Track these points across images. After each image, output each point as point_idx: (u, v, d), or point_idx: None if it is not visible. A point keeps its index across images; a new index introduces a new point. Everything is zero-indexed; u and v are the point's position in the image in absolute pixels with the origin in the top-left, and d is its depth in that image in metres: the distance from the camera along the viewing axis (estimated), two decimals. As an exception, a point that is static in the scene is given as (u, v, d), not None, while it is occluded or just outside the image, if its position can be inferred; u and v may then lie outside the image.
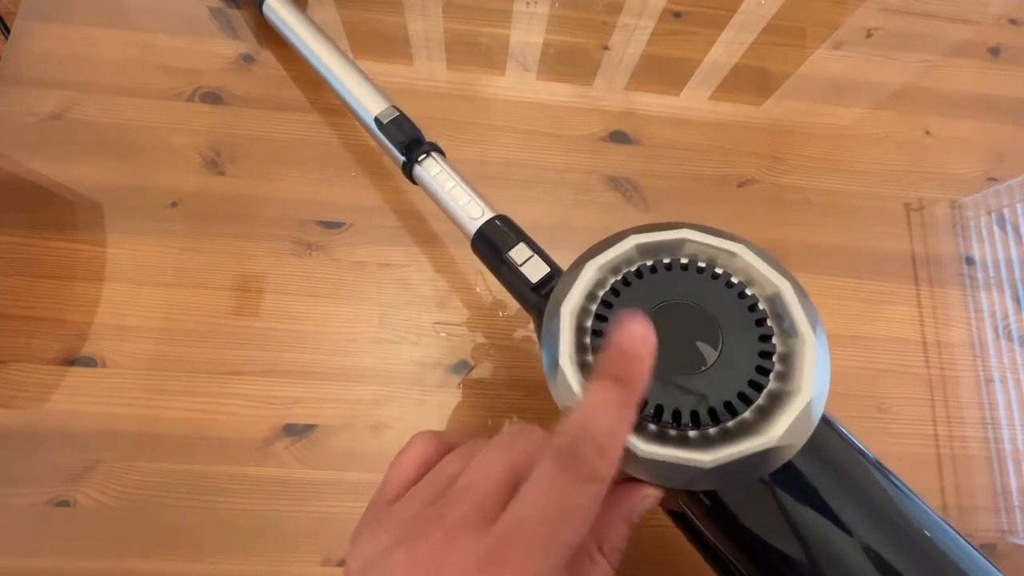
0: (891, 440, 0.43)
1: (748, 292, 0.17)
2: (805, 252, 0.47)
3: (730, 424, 0.15)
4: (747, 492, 0.16)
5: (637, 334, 0.15)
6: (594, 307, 0.17)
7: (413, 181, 0.35)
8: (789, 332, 0.16)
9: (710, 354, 0.16)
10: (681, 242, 0.18)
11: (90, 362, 0.39)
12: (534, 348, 0.42)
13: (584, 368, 0.16)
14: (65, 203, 0.42)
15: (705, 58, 0.53)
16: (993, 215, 0.50)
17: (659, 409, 0.15)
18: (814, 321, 0.16)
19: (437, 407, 0.40)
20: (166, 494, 0.37)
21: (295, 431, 0.39)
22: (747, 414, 0.15)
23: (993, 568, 0.17)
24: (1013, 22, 0.57)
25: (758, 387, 0.15)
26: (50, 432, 0.37)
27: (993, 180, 0.51)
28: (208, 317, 0.40)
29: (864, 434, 0.42)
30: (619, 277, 0.17)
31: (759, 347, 0.16)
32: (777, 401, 0.15)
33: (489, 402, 0.41)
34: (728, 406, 0.15)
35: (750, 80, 0.52)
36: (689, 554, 0.27)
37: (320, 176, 0.45)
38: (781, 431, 0.14)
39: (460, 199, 0.32)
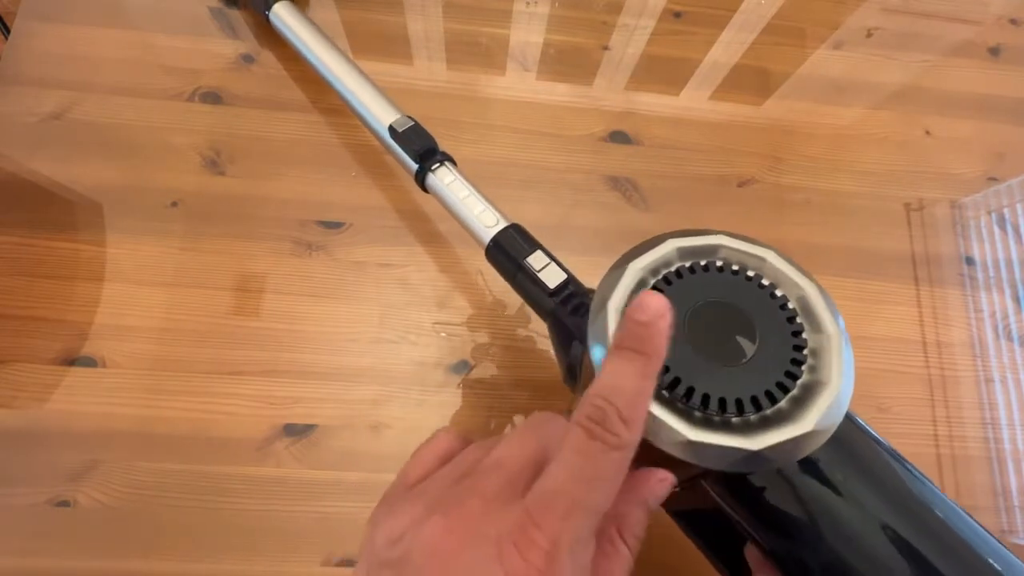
0: (891, 440, 0.42)
1: (778, 293, 0.19)
2: (805, 252, 0.47)
3: (768, 412, 0.17)
4: (777, 474, 0.18)
5: (651, 306, 0.16)
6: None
7: (425, 189, 0.35)
8: (817, 329, 0.18)
9: (749, 348, 0.17)
10: (716, 247, 0.19)
11: (90, 362, 0.39)
12: (534, 348, 0.42)
13: None
14: (65, 203, 0.42)
15: (705, 58, 0.53)
16: (993, 215, 0.50)
17: (705, 397, 0.17)
18: (837, 319, 0.19)
19: (437, 407, 0.40)
20: (166, 494, 0.37)
21: (295, 431, 0.39)
22: (783, 403, 0.17)
23: (1000, 545, 0.19)
24: (1013, 22, 0.57)
25: (793, 377, 0.17)
26: (50, 432, 0.37)
27: (993, 180, 0.51)
28: (208, 317, 0.40)
29: (864, 434, 0.42)
30: (659, 277, 0.19)
31: (792, 341, 0.18)
32: (810, 391, 0.17)
33: (489, 402, 0.41)
34: (768, 395, 0.17)
35: (750, 80, 0.52)
36: (693, 557, 0.27)
37: (320, 176, 0.45)
38: (816, 418, 0.16)
39: (475, 208, 0.33)
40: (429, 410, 0.40)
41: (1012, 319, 0.46)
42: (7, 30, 0.47)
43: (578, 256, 0.45)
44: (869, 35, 0.55)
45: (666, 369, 0.17)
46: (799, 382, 0.17)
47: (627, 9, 0.54)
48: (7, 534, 0.36)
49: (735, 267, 0.19)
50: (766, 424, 0.16)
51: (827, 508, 0.18)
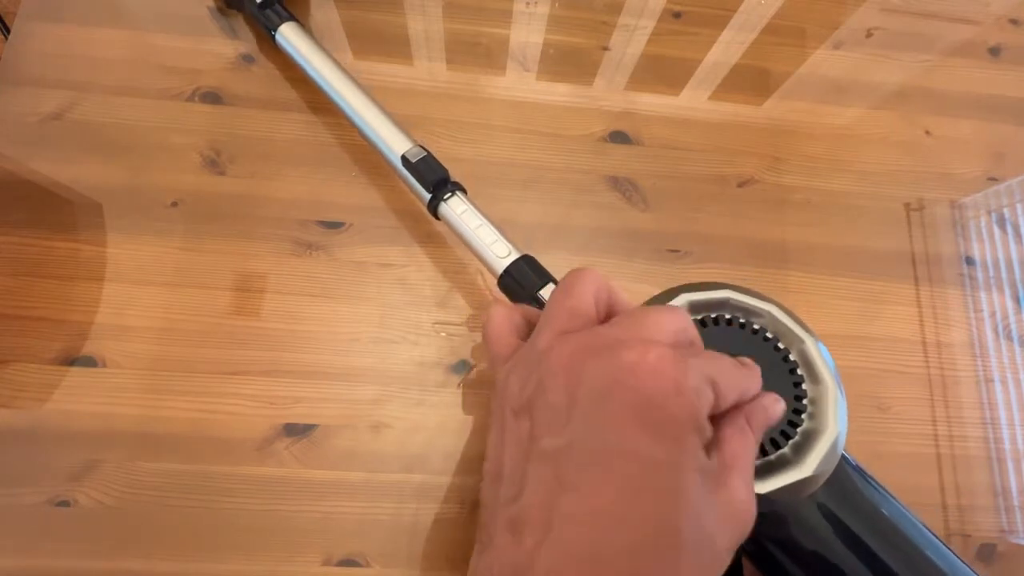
0: (891, 440, 0.43)
1: (781, 346, 0.20)
2: (805, 252, 0.47)
3: (772, 457, 0.18)
4: (782, 511, 0.20)
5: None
6: None
7: (437, 217, 0.36)
8: (815, 379, 0.20)
9: None
10: (725, 300, 0.21)
11: (90, 362, 0.39)
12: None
13: None
14: (65, 203, 0.42)
15: (705, 58, 0.53)
16: (993, 215, 0.50)
17: None
18: (832, 369, 0.20)
19: (437, 407, 0.40)
20: (166, 494, 0.37)
21: (296, 431, 0.39)
22: (787, 449, 0.18)
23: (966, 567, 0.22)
24: (1013, 22, 0.57)
25: (795, 426, 0.19)
26: (50, 432, 0.37)
27: (993, 180, 0.51)
28: (208, 317, 0.40)
29: (864, 434, 0.42)
30: None
31: (794, 392, 0.19)
32: (809, 438, 0.18)
33: (489, 401, 0.41)
34: (773, 442, 0.18)
35: (750, 80, 0.52)
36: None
37: (320, 176, 0.45)
38: (816, 464, 0.18)
39: (487, 238, 0.34)
40: (429, 410, 0.40)
41: (1012, 319, 0.46)
42: (7, 30, 0.48)
43: (578, 256, 0.45)
44: (869, 35, 0.55)
45: None
46: (800, 429, 0.19)
47: (627, 9, 0.54)
48: (7, 534, 0.36)
49: (742, 320, 0.20)
50: (770, 469, 0.18)
51: (825, 542, 0.20)
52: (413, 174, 0.36)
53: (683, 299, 0.21)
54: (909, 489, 0.42)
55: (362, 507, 0.38)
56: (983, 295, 0.47)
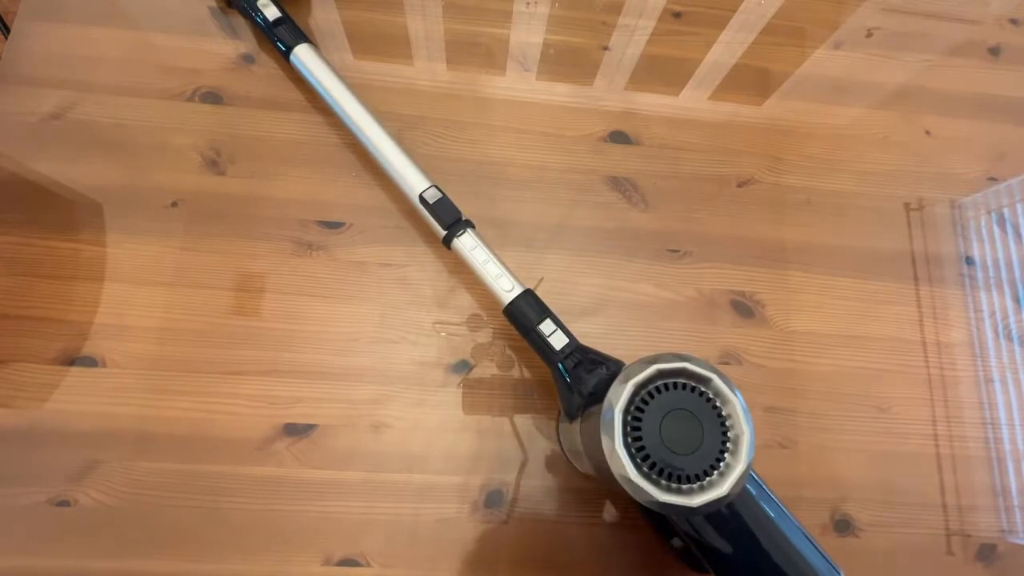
0: (891, 440, 0.43)
1: (717, 403, 0.29)
2: (805, 252, 0.47)
3: (704, 481, 0.28)
4: (711, 517, 0.33)
5: None
6: (632, 407, 0.29)
7: (449, 248, 0.40)
8: (736, 426, 0.28)
9: (697, 441, 0.28)
10: (682, 369, 0.29)
11: (90, 362, 0.39)
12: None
13: (629, 445, 0.28)
14: (65, 203, 0.42)
15: (705, 58, 0.53)
16: (993, 215, 0.50)
17: (671, 473, 0.28)
18: (747, 417, 0.28)
19: (437, 407, 0.40)
20: (166, 494, 0.37)
21: (295, 431, 0.39)
22: (714, 476, 0.28)
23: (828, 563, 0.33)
24: (1013, 22, 0.57)
25: (720, 461, 0.28)
26: (50, 432, 0.37)
27: (993, 180, 0.51)
28: (208, 317, 0.40)
29: (864, 434, 0.42)
30: (646, 391, 0.29)
31: (722, 438, 0.28)
32: (728, 467, 0.28)
33: (489, 402, 0.41)
34: (706, 472, 0.28)
35: (750, 80, 0.52)
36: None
37: (320, 176, 0.45)
38: (730, 485, 0.27)
39: (493, 272, 0.39)
40: (429, 410, 0.40)
41: (1012, 319, 0.46)
42: (7, 30, 0.47)
43: (577, 255, 0.45)
44: (869, 35, 0.55)
45: (647, 455, 0.27)
46: (723, 463, 0.28)
47: (627, 9, 0.54)
48: (7, 534, 0.36)
49: (693, 385, 0.29)
50: (703, 489, 0.27)
51: (734, 533, 0.33)
52: (430, 212, 0.40)
53: (653, 368, 0.29)
54: (909, 489, 0.42)
55: (362, 507, 0.38)
56: (983, 295, 0.47)
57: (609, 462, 0.28)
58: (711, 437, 0.28)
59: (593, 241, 0.46)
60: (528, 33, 0.52)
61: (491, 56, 0.51)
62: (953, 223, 0.49)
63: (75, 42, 0.47)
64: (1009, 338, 0.46)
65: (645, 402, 0.28)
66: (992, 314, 0.46)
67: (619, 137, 0.49)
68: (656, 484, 0.27)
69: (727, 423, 0.28)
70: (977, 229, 0.49)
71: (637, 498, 0.27)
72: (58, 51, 0.46)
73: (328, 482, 0.38)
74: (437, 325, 0.42)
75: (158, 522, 0.36)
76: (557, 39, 0.52)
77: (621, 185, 0.47)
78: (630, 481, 0.27)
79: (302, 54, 0.44)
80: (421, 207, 0.40)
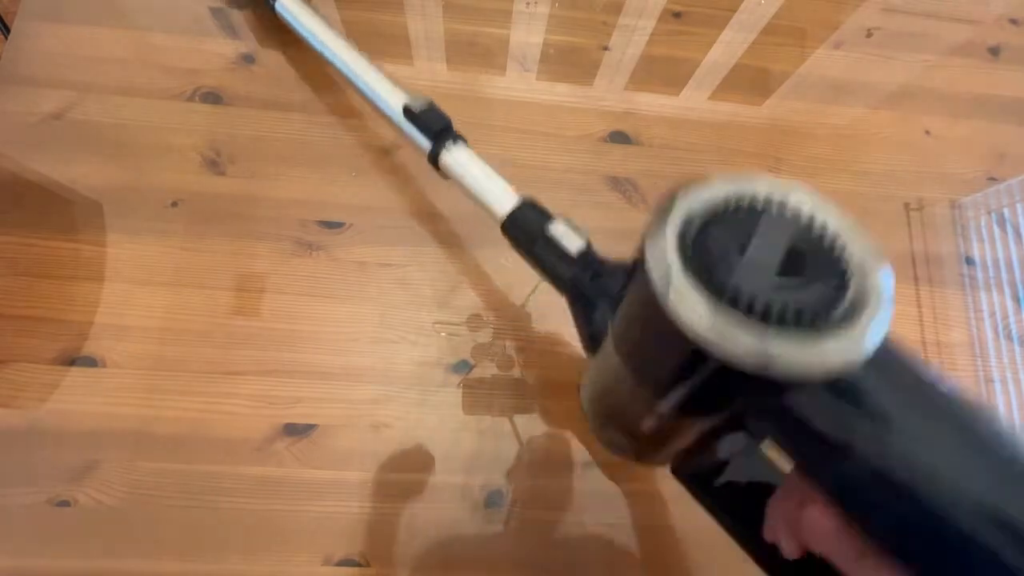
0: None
1: (817, 219, 0.18)
2: (805, 252, 0.47)
3: (832, 318, 0.17)
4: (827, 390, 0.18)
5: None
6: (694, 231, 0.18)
7: (437, 168, 0.35)
8: (848, 245, 0.18)
9: (799, 265, 0.17)
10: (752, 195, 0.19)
11: (90, 362, 0.39)
12: (535, 347, 0.42)
13: (696, 266, 0.17)
14: (65, 203, 0.42)
15: (705, 58, 0.53)
16: (993, 215, 0.50)
17: (773, 311, 0.16)
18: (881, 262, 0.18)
19: (437, 407, 0.40)
20: (166, 494, 0.37)
21: (295, 431, 0.39)
22: (843, 309, 0.17)
23: None
24: (1013, 22, 0.57)
25: (844, 288, 0.17)
26: (50, 432, 0.37)
27: (993, 180, 0.51)
28: (208, 317, 0.40)
29: (864, 434, 0.42)
30: (731, 208, 0.18)
31: (834, 263, 0.18)
32: (858, 303, 0.18)
33: (489, 402, 0.41)
34: (833, 306, 0.17)
35: (750, 80, 0.52)
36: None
37: (320, 176, 0.45)
38: (874, 331, 0.17)
39: (490, 184, 0.33)
40: (429, 410, 0.40)
41: (1012, 319, 0.46)
42: (7, 30, 0.47)
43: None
44: (869, 35, 0.55)
45: (726, 284, 0.16)
46: (847, 297, 0.17)
47: (627, 9, 0.54)
48: (7, 534, 0.36)
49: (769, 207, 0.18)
50: (831, 336, 0.17)
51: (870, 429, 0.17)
52: (415, 123, 0.35)
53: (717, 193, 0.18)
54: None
55: (362, 507, 0.38)
56: (983, 295, 0.47)
57: (666, 306, 0.16)
58: (818, 261, 0.18)
59: (593, 241, 0.46)
60: (528, 33, 0.52)
61: (491, 56, 0.51)
62: (953, 223, 0.49)
63: (75, 42, 0.47)
64: (1009, 338, 0.46)
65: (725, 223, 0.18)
66: (992, 314, 0.46)
67: (619, 137, 0.49)
68: (751, 329, 0.16)
69: (836, 243, 0.18)
70: (977, 229, 0.49)
71: (723, 355, 0.15)
72: (58, 51, 0.46)
73: (328, 482, 0.38)
74: (437, 325, 0.42)
75: (158, 522, 0.36)
76: (557, 39, 0.52)
77: (621, 185, 0.47)
78: (710, 325, 0.15)
79: (287, 2, 0.43)
80: (407, 124, 0.36)
